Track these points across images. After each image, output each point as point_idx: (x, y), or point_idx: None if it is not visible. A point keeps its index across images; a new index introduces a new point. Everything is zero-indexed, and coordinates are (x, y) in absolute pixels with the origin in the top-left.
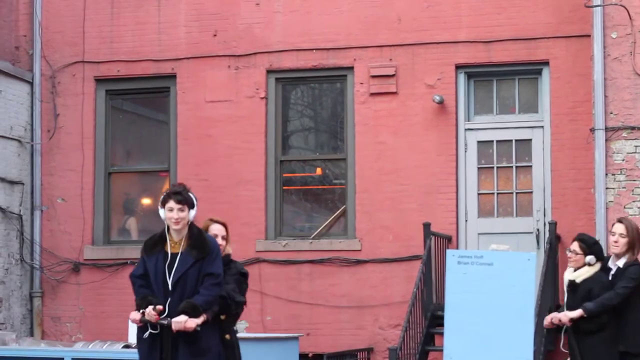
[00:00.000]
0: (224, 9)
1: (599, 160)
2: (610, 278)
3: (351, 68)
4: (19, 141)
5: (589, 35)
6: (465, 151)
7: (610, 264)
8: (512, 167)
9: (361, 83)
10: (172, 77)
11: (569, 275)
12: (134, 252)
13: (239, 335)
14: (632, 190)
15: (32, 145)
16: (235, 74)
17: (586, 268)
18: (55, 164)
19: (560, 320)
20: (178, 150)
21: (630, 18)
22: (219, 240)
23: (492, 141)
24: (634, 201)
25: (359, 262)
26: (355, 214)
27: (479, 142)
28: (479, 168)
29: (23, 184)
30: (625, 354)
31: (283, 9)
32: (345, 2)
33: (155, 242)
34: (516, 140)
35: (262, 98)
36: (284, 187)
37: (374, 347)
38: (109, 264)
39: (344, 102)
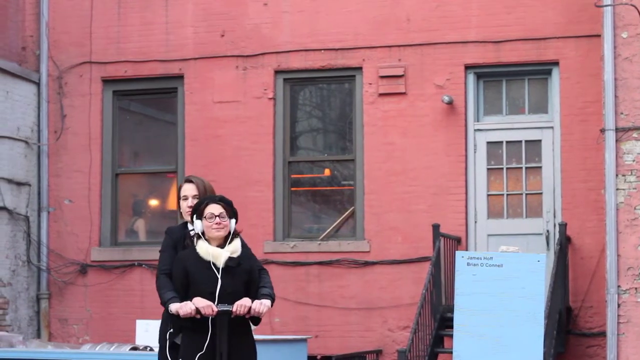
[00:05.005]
0: (231, 9)
1: (609, 161)
2: None
3: (360, 68)
4: (26, 142)
5: (599, 35)
6: (475, 152)
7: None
8: (521, 168)
9: (370, 83)
10: (180, 77)
11: (219, 251)
12: (142, 254)
13: None
14: None
15: (39, 147)
16: (243, 74)
17: (237, 240)
18: (62, 165)
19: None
20: (186, 151)
21: None
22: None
23: (502, 142)
24: None
25: (367, 264)
26: (363, 215)
27: (488, 142)
28: (488, 169)
29: (30, 185)
30: None
31: (291, 9)
32: (354, 2)
33: None
34: (526, 141)
35: (270, 99)
36: (292, 188)
37: (383, 349)
38: (116, 265)
39: (353, 102)
